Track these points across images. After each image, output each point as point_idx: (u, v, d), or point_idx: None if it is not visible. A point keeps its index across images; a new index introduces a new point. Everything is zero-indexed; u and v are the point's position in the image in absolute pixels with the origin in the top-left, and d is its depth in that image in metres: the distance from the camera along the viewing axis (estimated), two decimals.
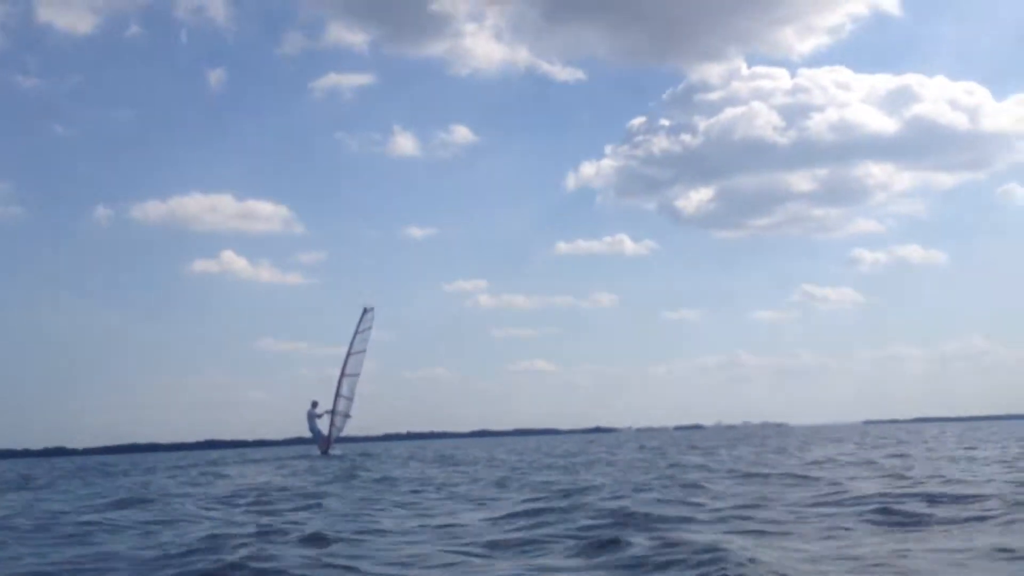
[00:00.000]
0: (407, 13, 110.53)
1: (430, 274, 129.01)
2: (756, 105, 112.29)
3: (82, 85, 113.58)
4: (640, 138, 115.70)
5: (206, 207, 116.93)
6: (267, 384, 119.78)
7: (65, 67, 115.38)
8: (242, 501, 12.38)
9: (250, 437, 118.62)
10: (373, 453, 37.79)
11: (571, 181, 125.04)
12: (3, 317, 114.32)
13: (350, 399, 36.71)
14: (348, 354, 36.57)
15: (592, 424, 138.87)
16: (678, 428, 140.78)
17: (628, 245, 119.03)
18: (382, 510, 10.68)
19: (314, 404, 36.42)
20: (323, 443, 36.22)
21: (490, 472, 18.31)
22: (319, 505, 11.31)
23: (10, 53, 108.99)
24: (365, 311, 36.82)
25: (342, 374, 36.55)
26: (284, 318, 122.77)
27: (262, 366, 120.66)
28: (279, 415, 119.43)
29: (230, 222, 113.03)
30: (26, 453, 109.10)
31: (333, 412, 36.10)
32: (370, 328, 36.95)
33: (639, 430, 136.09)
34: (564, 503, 10.05)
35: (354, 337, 36.58)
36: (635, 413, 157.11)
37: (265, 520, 9.50)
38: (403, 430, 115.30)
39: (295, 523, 9.14)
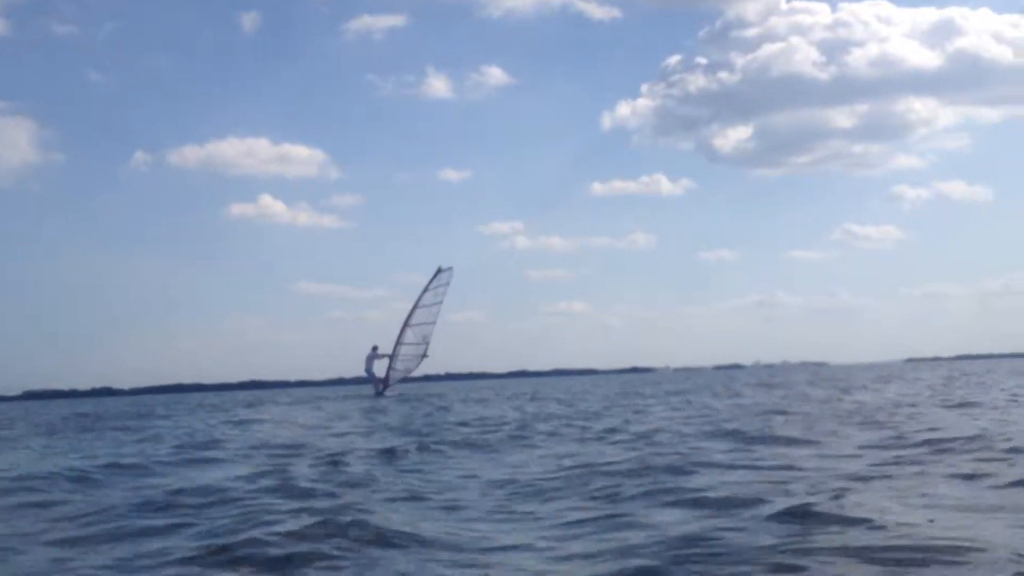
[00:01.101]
0: None
1: (466, 216, 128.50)
2: (795, 40, 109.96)
3: (117, 31, 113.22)
4: (676, 76, 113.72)
5: (242, 151, 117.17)
6: (305, 326, 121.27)
7: (100, 13, 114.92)
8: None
9: (291, 377, 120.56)
10: (433, 393, 38.25)
11: (606, 121, 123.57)
12: (49, 263, 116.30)
13: (418, 345, 38.00)
14: (415, 306, 37.94)
15: (629, 364, 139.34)
16: (717, 367, 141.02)
17: (665, 185, 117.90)
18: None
19: (374, 348, 37.77)
20: (377, 384, 37.54)
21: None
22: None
23: (45, 0, 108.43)
24: (440, 270, 38.25)
25: (405, 324, 37.85)
26: (321, 261, 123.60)
27: (300, 308, 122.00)
28: (318, 356, 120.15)
29: (267, 166, 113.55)
30: (73, 393, 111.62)
31: (392, 357, 37.55)
32: (446, 285, 38.25)
33: (676, 370, 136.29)
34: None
35: (424, 291, 38.06)
36: (672, 353, 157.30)
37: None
38: (441, 371, 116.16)
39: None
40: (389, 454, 9.82)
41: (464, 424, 15.10)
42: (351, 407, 25.07)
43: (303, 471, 8.32)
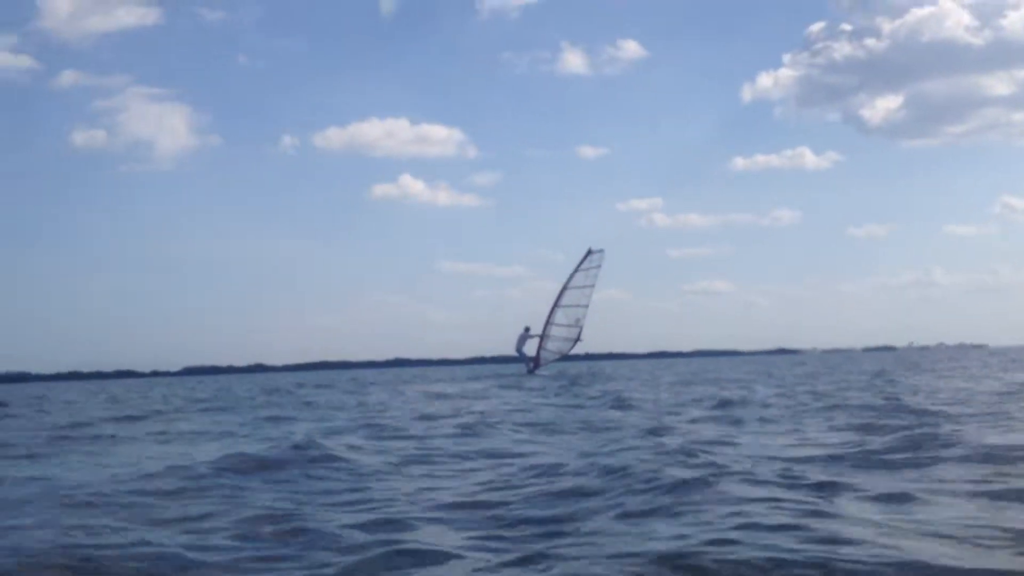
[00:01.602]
0: None
1: (604, 193, 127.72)
2: (946, 4, 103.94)
3: (263, 16, 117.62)
4: (820, 45, 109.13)
5: (383, 132, 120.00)
6: (448, 305, 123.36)
7: None
8: None
9: (434, 356, 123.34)
10: (586, 373, 38.23)
11: (747, 93, 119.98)
12: (205, 244, 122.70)
13: (569, 327, 38.43)
14: (565, 287, 38.35)
15: (774, 346, 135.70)
16: (867, 350, 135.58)
17: (809, 158, 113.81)
18: None
19: (527, 329, 38.46)
20: (529, 363, 38.15)
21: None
22: None
23: None
24: (591, 252, 38.47)
25: (555, 304, 38.38)
26: (462, 240, 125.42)
27: (443, 287, 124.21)
28: (460, 335, 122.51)
29: (406, 147, 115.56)
30: (231, 369, 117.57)
31: (543, 337, 38.14)
32: (598, 267, 38.48)
33: (824, 351, 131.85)
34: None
35: (574, 272, 38.40)
36: (820, 334, 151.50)
37: None
38: (581, 352, 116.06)
39: None
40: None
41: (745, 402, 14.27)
42: (554, 385, 24.01)
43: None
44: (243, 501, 5.86)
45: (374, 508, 5.60)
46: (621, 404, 14.40)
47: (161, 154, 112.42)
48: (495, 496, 5.89)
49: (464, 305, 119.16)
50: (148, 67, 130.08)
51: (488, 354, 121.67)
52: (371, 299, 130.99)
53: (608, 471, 6.24)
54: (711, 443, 8.12)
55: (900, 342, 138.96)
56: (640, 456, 6.93)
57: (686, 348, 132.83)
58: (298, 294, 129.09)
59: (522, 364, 38.81)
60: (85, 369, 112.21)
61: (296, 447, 8.19)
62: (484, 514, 5.36)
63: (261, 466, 7.30)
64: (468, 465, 7.53)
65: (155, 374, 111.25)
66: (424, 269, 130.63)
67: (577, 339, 38.36)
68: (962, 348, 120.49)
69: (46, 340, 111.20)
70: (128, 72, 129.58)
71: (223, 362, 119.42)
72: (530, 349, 38.30)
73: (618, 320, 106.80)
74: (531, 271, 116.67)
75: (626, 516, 4.98)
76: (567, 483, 6.12)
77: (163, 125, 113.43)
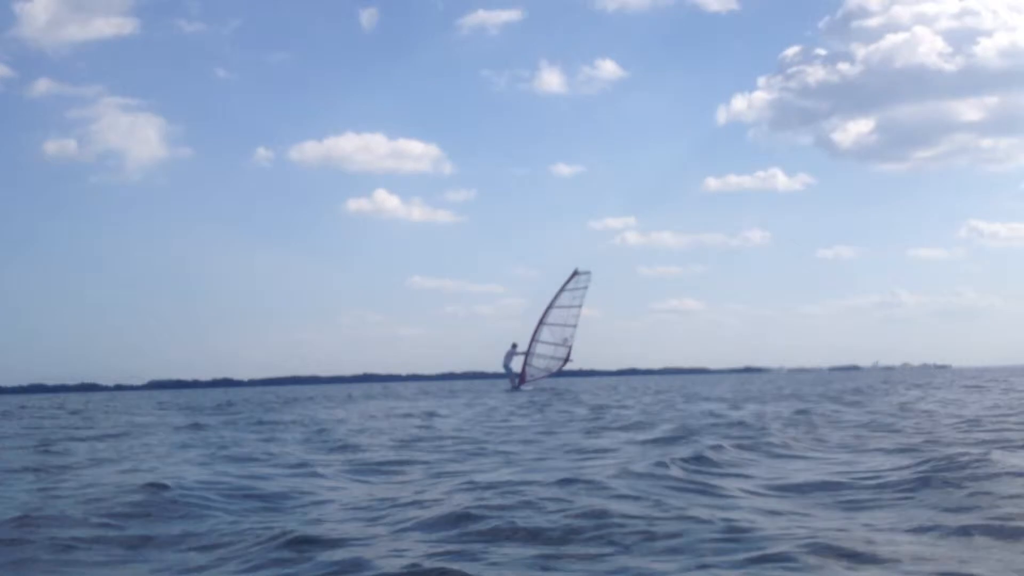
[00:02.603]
0: None
1: (578, 212, 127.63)
2: (919, 30, 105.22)
3: (242, 28, 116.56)
4: (795, 68, 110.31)
5: (359, 146, 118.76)
6: (418, 321, 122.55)
7: (225, 11, 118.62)
8: None
9: (403, 372, 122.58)
10: (567, 391, 38.34)
11: (722, 115, 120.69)
12: (174, 256, 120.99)
13: (556, 345, 38.86)
14: (550, 305, 38.79)
15: (742, 364, 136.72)
16: (833, 369, 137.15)
17: (781, 180, 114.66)
18: None
19: (514, 345, 38.63)
20: (514, 380, 38.31)
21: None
22: None
23: None
24: (577, 273, 38.82)
25: (540, 322, 38.84)
26: (435, 256, 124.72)
27: (414, 303, 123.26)
28: (430, 351, 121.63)
29: (382, 161, 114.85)
30: (196, 384, 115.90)
31: (528, 354, 38.48)
32: (584, 288, 38.87)
33: (791, 370, 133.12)
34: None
35: (560, 292, 38.83)
36: (787, 353, 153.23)
37: None
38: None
39: None
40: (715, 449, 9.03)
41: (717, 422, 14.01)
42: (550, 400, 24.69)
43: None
44: None
45: None
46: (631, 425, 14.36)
47: (132, 165, 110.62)
48: None
49: (436, 321, 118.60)
50: (123, 77, 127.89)
51: (459, 370, 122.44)
52: (341, 313, 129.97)
53: None
54: None
55: (865, 362, 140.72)
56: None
57: (655, 366, 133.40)
58: (267, 307, 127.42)
59: (508, 379, 38.89)
60: (49, 382, 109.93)
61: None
62: None
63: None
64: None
65: (119, 388, 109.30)
66: (396, 284, 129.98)
67: (566, 359, 38.78)
68: (926, 368, 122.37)
69: (8, 351, 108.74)
70: (102, 82, 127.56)
71: (189, 376, 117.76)
72: (517, 365, 38.44)
73: (588, 338, 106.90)
74: (504, 288, 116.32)
75: None
76: None
77: (135, 136, 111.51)
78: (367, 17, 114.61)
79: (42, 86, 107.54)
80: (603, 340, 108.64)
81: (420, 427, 15.03)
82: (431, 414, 18.89)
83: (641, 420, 14.84)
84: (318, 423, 16.63)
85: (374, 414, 19.96)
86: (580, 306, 38.65)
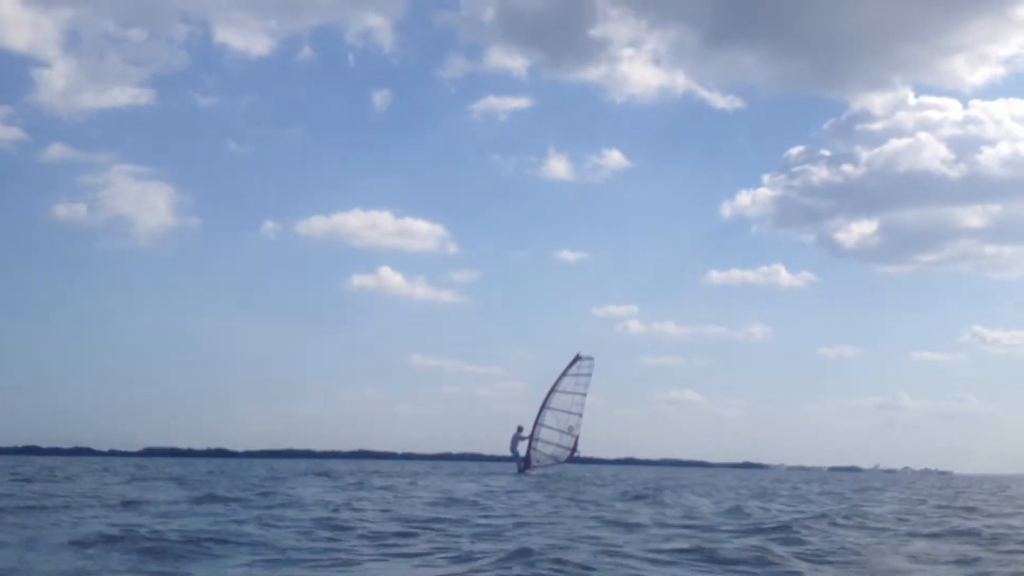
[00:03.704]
0: (566, 38, 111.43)
1: (580, 298, 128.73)
2: (923, 136, 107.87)
3: (256, 104, 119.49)
4: (799, 168, 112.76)
5: (366, 223, 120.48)
6: (417, 399, 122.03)
7: (240, 87, 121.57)
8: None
9: (399, 450, 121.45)
10: (574, 477, 37.98)
11: (726, 209, 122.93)
12: (176, 323, 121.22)
13: (562, 433, 38.41)
14: (552, 389, 38.45)
15: (742, 459, 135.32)
16: (833, 469, 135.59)
17: (784, 276, 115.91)
18: None
19: (519, 428, 38.77)
20: (521, 464, 38.31)
21: None
22: None
23: (190, 72, 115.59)
24: (579, 358, 38.52)
25: (543, 405, 38.56)
26: (436, 335, 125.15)
27: (413, 381, 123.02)
28: (427, 430, 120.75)
29: (388, 239, 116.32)
30: (191, 453, 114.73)
31: (531, 438, 38.31)
32: (588, 375, 38.46)
33: (791, 468, 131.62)
34: None
35: (562, 376, 38.49)
36: (787, 450, 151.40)
37: None
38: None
39: None
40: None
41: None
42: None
43: None
44: None
45: None
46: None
47: (140, 231, 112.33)
48: None
49: (435, 400, 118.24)
50: (136, 146, 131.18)
51: (455, 451, 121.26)
52: (340, 388, 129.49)
53: None
54: None
55: (866, 464, 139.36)
56: None
57: (654, 456, 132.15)
58: (265, 380, 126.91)
59: (515, 463, 38.80)
60: (43, 444, 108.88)
61: None
62: None
63: None
64: None
65: (113, 453, 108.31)
66: (396, 362, 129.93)
67: (574, 448, 38.28)
68: (927, 473, 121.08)
69: (4, 412, 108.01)
70: (115, 149, 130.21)
71: (184, 444, 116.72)
72: (523, 449, 38.32)
73: (588, 424, 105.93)
74: (504, 370, 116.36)
75: None
76: None
77: (144, 203, 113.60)
78: (380, 98, 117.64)
79: (55, 151, 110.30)
80: (602, 427, 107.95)
81: None
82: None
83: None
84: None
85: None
86: (585, 394, 38.33)
